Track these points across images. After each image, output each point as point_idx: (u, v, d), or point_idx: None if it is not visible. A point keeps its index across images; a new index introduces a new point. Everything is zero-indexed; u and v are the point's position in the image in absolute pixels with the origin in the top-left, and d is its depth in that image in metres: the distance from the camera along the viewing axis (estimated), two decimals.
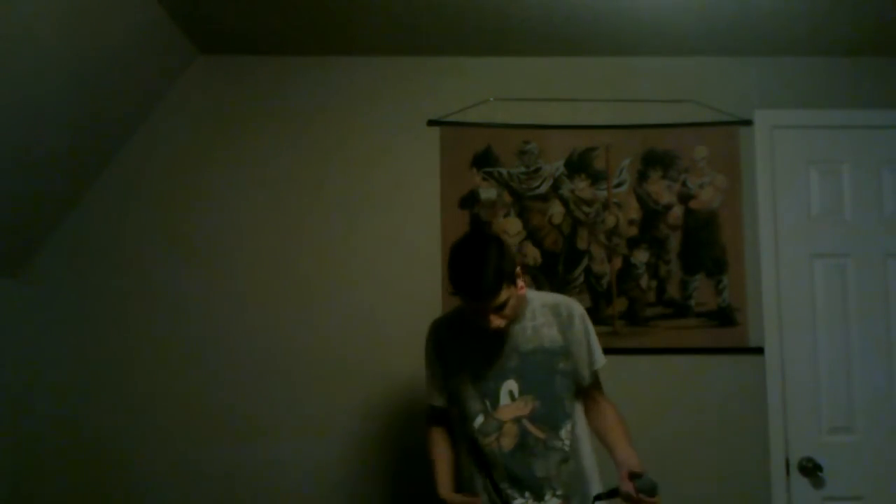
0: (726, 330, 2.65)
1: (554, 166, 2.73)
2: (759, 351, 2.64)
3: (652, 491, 1.75)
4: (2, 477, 2.59)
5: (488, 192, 2.72)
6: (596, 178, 2.72)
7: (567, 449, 1.89)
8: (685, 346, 2.64)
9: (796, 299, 2.66)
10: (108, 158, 2.71)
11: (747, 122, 2.73)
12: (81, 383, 2.64)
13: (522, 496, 1.85)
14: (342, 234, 2.71)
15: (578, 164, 2.73)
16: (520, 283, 1.86)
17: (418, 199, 2.72)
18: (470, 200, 2.72)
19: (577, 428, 1.93)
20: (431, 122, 2.74)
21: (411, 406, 2.64)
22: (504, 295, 1.78)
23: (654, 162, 2.72)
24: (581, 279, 2.67)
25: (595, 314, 2.65)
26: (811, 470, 2.57)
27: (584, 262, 2.68)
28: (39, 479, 2.60)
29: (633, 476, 1.76)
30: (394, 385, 2.64)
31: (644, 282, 2.68)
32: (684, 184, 2.72)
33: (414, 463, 2.60)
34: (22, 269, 2.66)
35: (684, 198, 2.71)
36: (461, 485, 1.97)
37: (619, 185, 2.72)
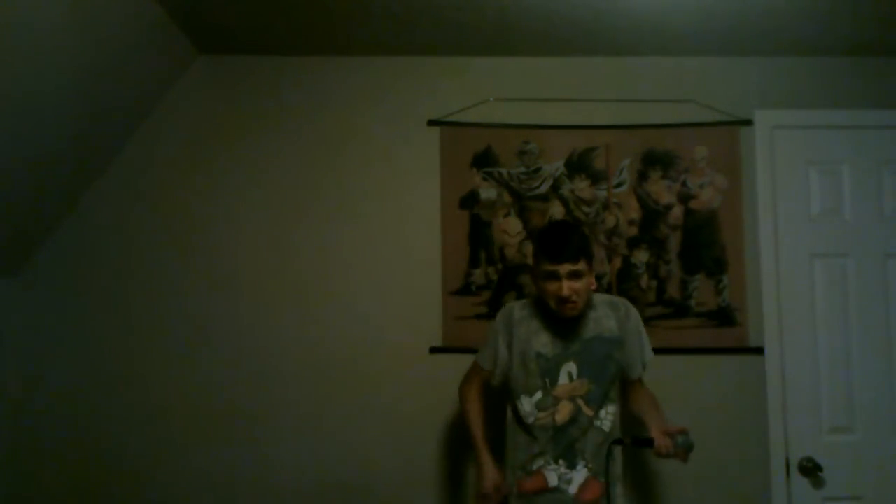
0: (726, 330, 2.65)
1: (554, 166, 2.73)
2: (759, 351, 2.64)
3: (690, 448, 1.98)
4: (2, 477, 2.59)
5: (488, 192, 2.72)
6: (596, 178, 2.72)
7: (606, 429, 2.11)
8: (685, 346, 2.64)
9: (796, 299, 2.66)
10: (108, 158, 2.71)
11: (747, 122, 2.73)
12: (81, 383, 2.64)
13: (556, 464, 2.08)
14: (342, 234, 2.71)
15: (578, 164, 2.73)
16: (592, 283, 2.12)
17: (418, 199, 2.72)
18: (470, 200, 2.72)
19: (615, 412, 2.15)
20: (431, 122, 2.74)
21: (412, 406, 2.64)
22: (581, 266, 2.05)
23: (654, 162, 2.72)
24: None
25: None
26: (811, 470, 2.57)
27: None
28: (39, 479, 2.60)
29: (675, 434, 1.97)
30: (394, 385, 2.64)
31: (644, 282, 2.68)
32: (684, 184, 2.72)
33: (414, 463, 2.61)
34: (22, 269, 2.66)
35: (684, 198, 2.71)
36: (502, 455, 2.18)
37: (619, 185, 2.72)
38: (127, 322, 2.67)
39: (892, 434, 2.61)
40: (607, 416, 2.13)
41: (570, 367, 2.12)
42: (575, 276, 2.04)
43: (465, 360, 2.62)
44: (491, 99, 2.74)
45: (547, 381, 2.12)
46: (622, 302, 2.23)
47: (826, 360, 2.64)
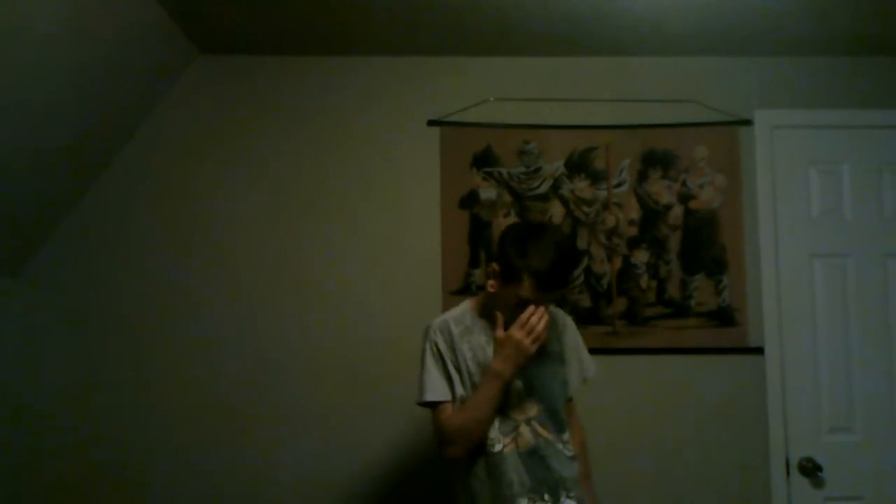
0: (726, 330, 2.65)
1: (554, 166, 2.73)
2: (759, 351, 2.64)
3: None
4: (2, 477, 2.59)
5: (488, 192, 2.72)
6: (596, 178, 2.72)
7: (569, 453, 1.91)
8: (685, 346, 2.64)
9: (796, 299, 2.66)
10: (108, 158, 2.71)
11: (747, 122, 2.73)
12: (81, 383, 2.64)
13: (542, 499, 1.83)
14: (342, 234, 2.71)
15: (578, 164, 2.73)
16: None
17: (418, 199, 2.72)
18: (470, 200, 2.72)
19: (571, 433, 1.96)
20: (431, 122, 2.74)
21: (412, 406, 2.64)
22: (558, 296, 1.82)
23: (654, 162, 2.72)
24: (581, 279, 2.67)
25: (595, 314, 2.66)
26: (811, 470, 2.57)
27: (584, 262, 2.68)
28: (39, 479, 2.60)
29: None
30: (394, 385, 2.64)
31: (644, 282, 2.67)
32: (684, 184, 2.72)
33: (414, 463, 2.60)
34: (22, 269, 2.66)
35: (684, 198, 2.71)
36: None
37: (619, 185, 2.72)
38: (127, 322, 2.67)
39: (892, 434, 2.61)
40: (566, 441, 1.91)
41: (517, 384, 1.86)
42: (549, 304, 1.81)
43: None
44: (491, 99, 2.74)
45: (502, 401, 1.84)
46: (559, 313, 2.02)
47: (826, 360, 2.64)
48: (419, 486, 2.60)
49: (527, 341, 1.76)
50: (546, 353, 1.90)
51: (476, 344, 1.89)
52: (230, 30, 2.58)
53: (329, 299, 2.68)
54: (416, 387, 1.92)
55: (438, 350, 1.89)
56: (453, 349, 1.89)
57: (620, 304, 2.66)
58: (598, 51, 2.71)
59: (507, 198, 2.71)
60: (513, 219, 2.70)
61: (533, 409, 1.87)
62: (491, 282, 1.87)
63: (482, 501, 1.85)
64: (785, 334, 2.64)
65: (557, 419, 1.90)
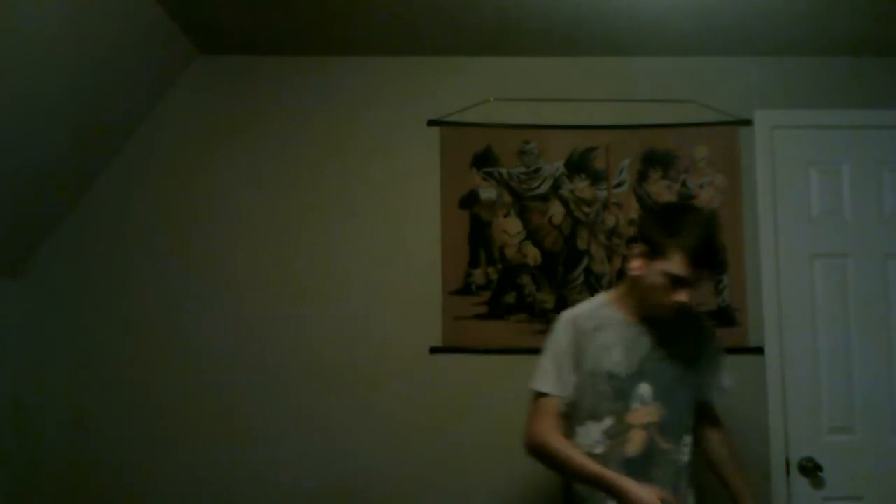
0: (726, 330, 2.64)
1: (554, 166, 2.73)
2: (759, 351, 2.64)
3: None
4: (2, 477, 2.59)
5: (488, 192, 2.72)
6: (596, 178, 2.72)
7: (683, 462, 1.86)
8: None
9: (796, 299, 2.66)
10: (108, 158, 2.71)
11: (747, 122, 2.73)
12: (81, 383, 2.64)
13: None
14: (342, 234, 2.71)
15: (578, 164, 2.73)
16: None
17: (418, 199, 2.72)
18: (470, 200, 2.72)
19: (691, 442, 1.91)
20: (431, 122, 2.74)
21: (411, 406, 2.64)
22: (710, 277, 1.83)
23: (654, 162, 2.72)
24: (581, 279, 2.67)
25: None
26: (811, 470, 2.57)
27: (584, 262, 2.68)
28: (39, 479, 2.60)
29: None
30: (394, 385, 2.64)
31: None
32: (684, 184, 2.72)
33: (414, 464, 2.60)
34: (22, 269, 2.66)
35: (684, 198, 2.71)
36: (570, 495, 1.90)
37: (619, 185, 2.72)
38: (127, 322, 2.67)
39: (892, 434, 2.61)
40: (684, 448, 1.87)
41: (645, 388, 1.82)
42: (699, 285, 1.78)
43: (466, 361, 2.63)
44: (491, 99, 2.74)
45: (620, 404, 1.82)
46: (704, 318, 2.01)
47: (826, 360, 2.64)
48: (419, 486, 2.60)
49: None
50: (677, 358, 1.86)
51: (601, 344, 1.83)
52: (230, 30, 2.58)
53: (329, 299, 2.68)
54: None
55: (562, 345, 1.85)
56: (577, 347, 1.84)
57: None
58: (598, 51, 2.71)
59: (507, 198, 2.71)
60: (513, 219, 2.70)
61: (655, 415, 1.82)
62: (636, 263, 1.81)
63: (579, 494, 1.85)
64: (785, 334, 2.64)
65: (679, 426, 1.86)
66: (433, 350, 2.65)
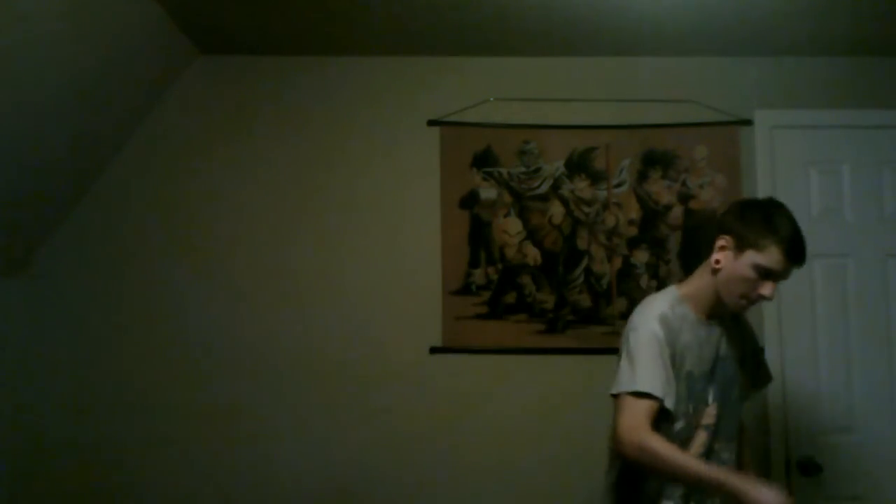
0: None
1: (554, 166, 2.73)
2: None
3: None
4: (2, 477, 2.59)
5: (488, 192, 2.72)
6: (596, 178, 2.72)
7: (732, 462, 1.84)
8: None
9: (796, 299, 2.66)
10: (108, 158, 2.71)
11: (747, 122, 2.73)
12: (81, 383, 2.64)
13: None
14: (342, 234, 2.71)
15: (578, 164, 2.73)
16: None
17: (418, 199, 2.72)
18: (470, 200, 2.72)
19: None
20: (431, 122, 2.74)
21: (411, 406, 2.64)
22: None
23: (654, 162, 2.72)
24: (581, 279, 2.67)
25: (595, 314, 2.66)
26: (811, 470, 2.56)
27: (584, 262, 2.68)
28: (39, 478, 2.60)
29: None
30: (394, 385, 2.64)
31: (644, 282, 2.67)
32: (684, 184, 2.72)
33: (413, 463, 2.60)
34: (22, 269, 2.66)
35: (684, 198, 2.71)
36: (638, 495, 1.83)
37: (619, 185, 2.71)
38: (127, 322, 2.67)
39: (892, 434, 2.61)
40: (733, 447, 1.85)
41: (713, 389, 1.79)
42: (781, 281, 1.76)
43: (466, 361, 2.63)
44: (491, 99, 2.74)
45: (691, 406, 1.77)
46: (742, 318, 1.98)
47: (826, 360, 2.64)
48: (419, 486, 2.60)
49: None
50: (734, 357, 1.86)
51: (685, 344, 1.77)
52: (230, 30, 2.58)
53: (329, 299, 2.68)
54: (617, 378, 1.74)
55: (660, 343, 1.73)
56: (672, 346, 1.75)
57: (620, 304, 2.66)
58: (598, 51, 2.71)
59: (507, 198, 2.71)
60: (513, 219, 2.70)
61: (712, 416, 1.80)
62: (717, 257, 1.77)
63: (631, 498, 1.81)
64: (785, 334, 2.64)
65: (733, 426, 1.85)
66: (433, 350, 2.65)
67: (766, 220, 1.73)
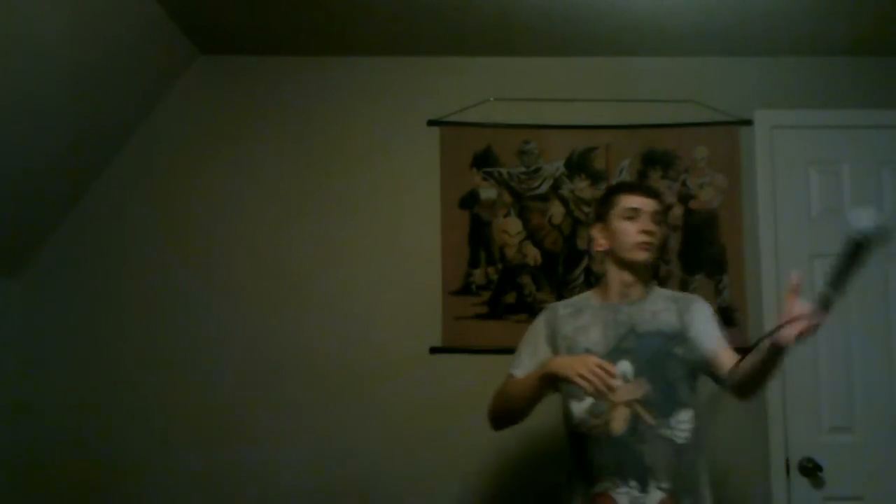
0: (726, 330, 2.63)
1: (554, 166, 2.73)
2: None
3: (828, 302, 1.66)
4: (2, 477, 2.59)
5: (488, 192, 2.72)
6: (596, 178, 2.72)
7: (679, 441, 1.82)
8: None
9: None
10: (107, 158, 2.71)
11: (747, 122, 2.73)
12: (81, 383, 2.64)
13: (627, 485, 1.78)
14: (342, 234, 2.71)
15: (578, 164, 2.73)
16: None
17: (418, 199, 2.72)
18: (470, 200, 2.72)
19: (697, 420, 1.86)
20: (431, 122, 2.74)
21: (411, 406, 2.64)
22: (660, 208, 1.97)
23: (654, 162, 2.72)
24: (581, 279, 2.67)
25: None
26: (811, 470, 2.56)
27: (584, 262, 2.68)
28: (39, 479, 2.60)
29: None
30: (394, 385, 2.64)
31: None
32: (684, 184, 2.72)
33: (414, 463, 2.60)
34: (22, 269, 2.66)
35: (684, 198, 2.71)
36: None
37: None
38: (126, 322, 2.67)
39: (892, 434, 2.60)
40: (679, 425, 1.82)
41: (625, 365, 1.84)
42: (656, 218, 1.93)
43: (466, 361, 2.63)
44: (491, 99, 2.74)
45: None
46: (685, 295, 2.06)
47: (826, 360, 2.64)
48: (419, 486, 2.60)
49: (589, 368, 1.69)
50: (658, 333, 1.88)
51: (579, 326, 1.93)
52: (230, 30, 2.58)
53: (329, 299, 2.68)
54: None
55: (535, 329, 2.00)
56: (552, 329, 1.96)
57: None
58: (598, 51, 2.71)
59: (507, 198, 2.71)
60: (513, 219, 2.70)
61: (640, 391, 1.82)
62: (599, 241, 1.98)
63: (575, 478, 1.90)
64: None
65: (667, 402, 1.83)
66: (433, 350, 2.65)
67: (607, 191, 2.08)
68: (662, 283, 2.67)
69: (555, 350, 1.93)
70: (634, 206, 1.92)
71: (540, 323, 2.01)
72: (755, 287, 2.66)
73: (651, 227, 1.91)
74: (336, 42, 2.67)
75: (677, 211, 2.70)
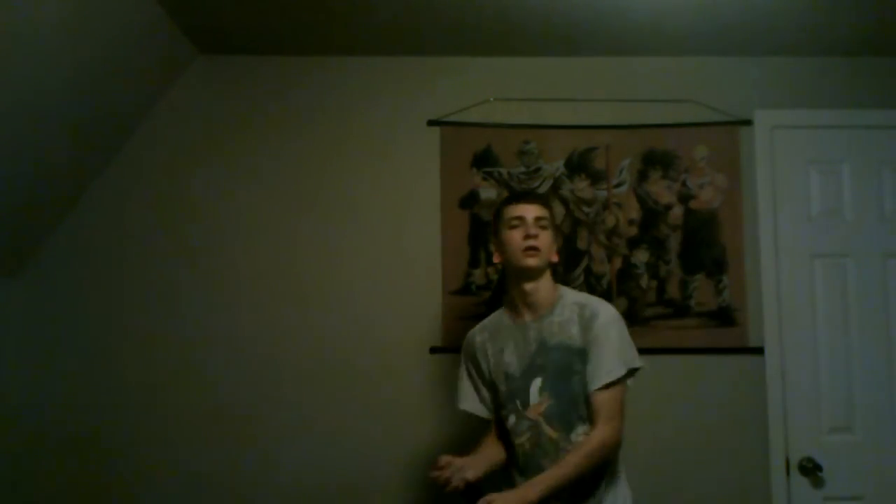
0: (726, 330, 2.65)
1: (554, 166, 2.73)
2: (759, 351, 2.64)
3: None
4: (2, 477, 2.59)
5: (488, 192, 2.72)
6: (596, 178, 2.72)
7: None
8: (685, 346, 2.64)
9: (796, 299, 2.66)
10: (107, 158, 2.71)
11: (747, 122, 2.73)
12: (80, 383, 2.64)
13: None
14: (342, 234, 2.71)
15: (578, 164, 2.73)
16: (555, 243, 2.01)
17: (418, 199, 2.72)
18: (470, 200, 2.72)
19: (587, 432, 1.86)
20: (431, 122, 2.74)
21: (411, 406, 2.64)
22: (547, 214, 1.97)
23: (654, 162, 2.72)
24: (581, 279, 2.67)
25: None
26: (811, 470, 2.57)
27: (584, 262, 2.68)
28: (39, 479, 2.60)
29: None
30: (394, 385, 2.64)
31: (644, 282, 2.67)
32: (684, 184, 2.72)
33: (414, 463, 2.60)
34: (22, 269, 2.66)
35: (684, 198, 2.71)
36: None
37: (619, 185, 2.72)
38: (126, 322, 2.67)
39: (892, 434, 2.61)
40: (577, 439, 1.85)
41: (538, 382, 1.90)
42: (541, 223, 1.93)
43: None
44: (491, 99, 2.74)
45: (518, 402, 1.92)
46: (592, 304, 1.95)
47: (826, 360, 2.64)
48: (419, 486, 2.60)
49: None
50: (564, 347, 1.90)
51: (497, 349, 2.00)
52: (230, 30, 2.58)
53: (329, 299, 2.68)
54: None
55: (465, 368, 2.08)
56: (475, 363, 2.05)
57: (620, 304, 2.65)
58: (598, 51, 2.71)
59: None
60: None
61: (542, 406, 1.89)
62: (495, 255, 2.04)
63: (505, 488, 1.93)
64: (785, 334, 2.64)
65: (569, 416, 1.87)
66: (433, 350, 2.65)
67: (498, 206, 2.08)
68: (661, 282, 2.66)
69: (483, 381, 2.04)
70: (517, 214, 1.95)
71: (465, 359, 2.09)
72: (755, 287, 2.66)
73: (534, 231, 1.92)
74: (336, 42, 2.67)
75: (677, 211, 2.70)
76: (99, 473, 2.61)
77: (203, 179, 2.73)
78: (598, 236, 2.69)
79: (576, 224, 2.70)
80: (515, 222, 1.95)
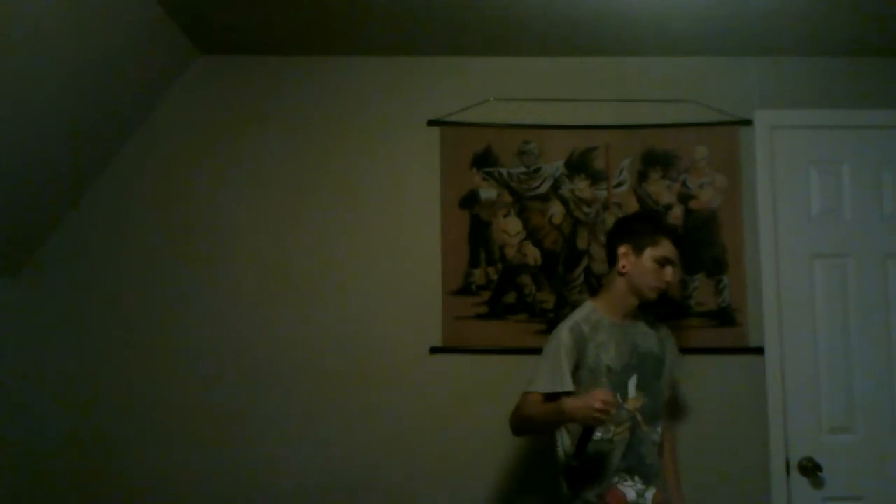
0: (726, 330, 2.65)
1: (554, 166, 2.73)
2: (759, 351, 2.64)
3: None
4: (2, 477, 2.59)
5: (488, 192, 2.72)
6: (596, 178, 2.72)
7: (658, 442, 2.19)
8: (685, 346, 2.63)
9: (796, 299, 2.66)
10: (107, 158, 2.71)
11: (747, 122, 2.73)
12: (81, 383, 2.64)
13: (632, 479, 2.10)
14: (342, 234, 2.71)
15: (578, 164, 2.73)
16: None
17: (418, 199, 2.72)
18: (470, 200, 2.72)
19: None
20: (431, 122, 2.74)
21: (412, 406, 2.64)
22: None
23: (654, 162, 2.72)
24: (581, 279, 2.67)
25: None
26: (811, 470, 2.57)
27: (584, 262, 2.68)
28: (39, 479, 2.60)
29: None
30: (394, 385, 2.64)
31: None
32: (684, 184, 2.72)
33: (414, 463, 2.60)
34: (22, 269, 2.66)
35: (684, 198, 2.71)
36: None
37: (619, 185, 2.72)
38: (126, 322, 2.67)
39: (892, 434, 2.61)
40: (658, 431, 2.20)
41: (634, 379, 2.16)
42: (677, 266, 2.19)
43: (466, 361, 2.64)
44: (491, 99, 2.74)
45: (618, 395, 2.10)
46: (658, 323, 2.33)
47: (826, 360, 2.64)
48: (419, 486, 2.60)
49: (597, 407, 1.87)
50: (651, 354, 2.22)
51: (599, 343, 2.14)
52: (230, 30, 2.58)
53: (329, 299, 2.68)
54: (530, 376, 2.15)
55: (565, 347, 2.11)
56: (579, 349, 2.13)
57: None
58: (599, 51, 2.71)
59: (507, 198, 2.71)
60: (513, 219, 2.70)
61: (639, 402, 2.15)
62: (623, 263, 2.17)
63: (579, 477, 2.11)
64: (785, 334, 2.64)
65: (656, 412, 2.19)
66: (433, 350, 2.65)
67: (654, 222, 2.28)
68: None
69: (577, 365, 2.12)
70: (670, 256, 2.14)
71: (567, 342, 2.12)
72: (755, 287, 2.66)
73: (673, 279, 2.15)
74: (336, 42, 2.67)
75: (677, 211, 2.70)
76: (99, 473, 2.61)
77: (203, 179, 2.73)
78: (598, 236, 2.69)
79: (576, 224, 2.70)
80: (665, 261, 2.14)
